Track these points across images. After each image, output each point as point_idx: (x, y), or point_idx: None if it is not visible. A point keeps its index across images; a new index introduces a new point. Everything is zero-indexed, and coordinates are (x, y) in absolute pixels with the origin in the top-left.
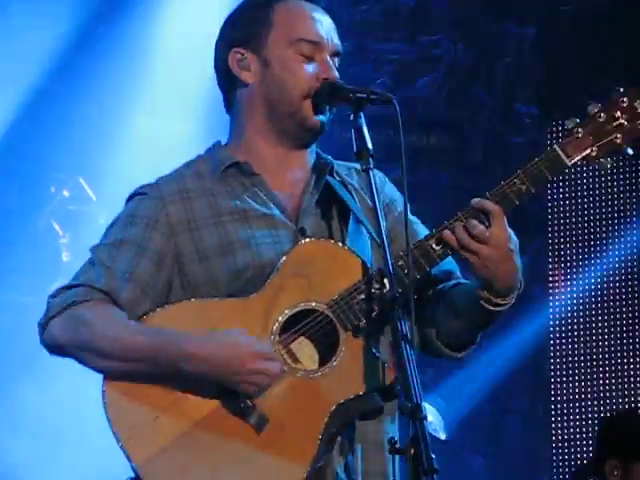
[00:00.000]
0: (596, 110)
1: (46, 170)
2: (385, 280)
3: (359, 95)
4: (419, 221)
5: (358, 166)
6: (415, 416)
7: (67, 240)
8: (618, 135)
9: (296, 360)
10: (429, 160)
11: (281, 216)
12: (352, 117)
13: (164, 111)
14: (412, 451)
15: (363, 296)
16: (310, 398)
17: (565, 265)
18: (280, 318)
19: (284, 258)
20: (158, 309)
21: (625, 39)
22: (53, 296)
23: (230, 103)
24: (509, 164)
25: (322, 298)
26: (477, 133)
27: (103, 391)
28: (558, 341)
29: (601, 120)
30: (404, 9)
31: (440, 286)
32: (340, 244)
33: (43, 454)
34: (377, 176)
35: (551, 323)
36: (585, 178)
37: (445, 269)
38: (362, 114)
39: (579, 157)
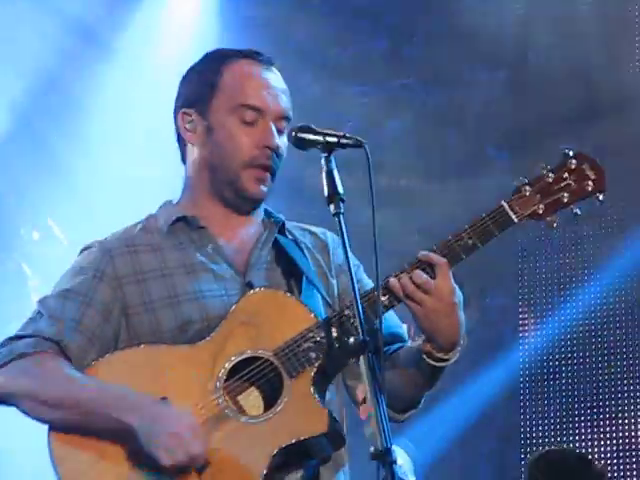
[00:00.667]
0: (545, 171)
1: (16, 212)
2: (332, 329)
3: (329, 139)
4: (370, 281)
5: (313, 229)
6: (385, 460)
7: (37, 283)
8: (565, 194)
9: (240, 407)
10: (399, 203)
11: (229, 269)
12: (323, 161)
13: (136, 154)
14: None
15: (309, 344)
16: (252, 442)
17: (535, 309)
18: (227, 365)
19: (234, 307)
20: (107, 355)
21: (592, 84)
22: (1, 346)
23: (183, 157)
24: (478, 209)
25: (269, 346)
26: (447, 177)
27: (48, 435)
28: (528, 385)
29: (549, 180)
30: (375, 53)
31: (385, 348)
32: (289, 295)
33: None
34: (332, 237)
35: (521, 367)
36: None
37: (391, 332)
38: (333, 158)
39: (526, 214)
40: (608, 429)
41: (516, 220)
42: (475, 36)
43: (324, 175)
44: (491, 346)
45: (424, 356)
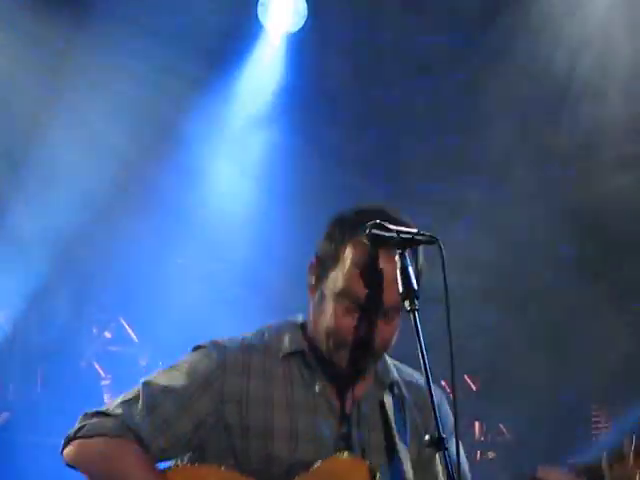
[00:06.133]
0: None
1: (88, 311)
2: None
3: (403, 236)
4: (451, 416)
5: (421, 381)
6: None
7: (109, 382)
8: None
9: None
10: (472, 299)
11: (329, 416)
12: (397, 257)
13: (202, 253)
14: None
15: None
16: None
17: None
18: None
19: (317, 464)
20: (188, 465)
21: None
22: (89, 417)
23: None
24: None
25: None
26: (518, 274)
27: None
28: None
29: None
30: (449, 150)
31: None
32: (374, 467)
33: None
34: (435, 393)
35: None
36: None
37: None
38: (407, 254)
39: None
40: None
41: None
42: None
43: (398, 272)
44: None
45: None
